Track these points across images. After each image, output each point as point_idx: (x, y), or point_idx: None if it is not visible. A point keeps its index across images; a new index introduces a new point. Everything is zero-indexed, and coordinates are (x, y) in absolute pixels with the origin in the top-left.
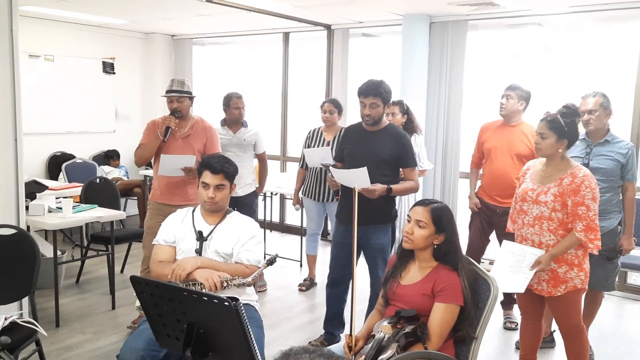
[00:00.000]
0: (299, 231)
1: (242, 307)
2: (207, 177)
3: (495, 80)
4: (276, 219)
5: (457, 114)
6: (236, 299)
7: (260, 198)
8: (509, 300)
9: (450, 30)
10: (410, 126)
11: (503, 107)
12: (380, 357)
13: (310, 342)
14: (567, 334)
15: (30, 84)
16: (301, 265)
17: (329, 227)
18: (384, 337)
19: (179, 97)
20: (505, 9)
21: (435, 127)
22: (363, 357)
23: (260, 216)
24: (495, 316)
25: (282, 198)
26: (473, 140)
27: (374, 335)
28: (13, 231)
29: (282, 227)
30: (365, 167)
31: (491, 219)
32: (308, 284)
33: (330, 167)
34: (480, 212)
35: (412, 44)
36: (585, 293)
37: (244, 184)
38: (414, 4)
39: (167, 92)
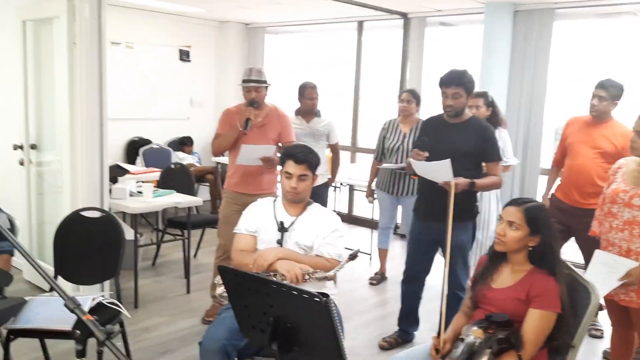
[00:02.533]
0: (367, 223)
1: (333, 304)
2: (291, 166)
3: (583, 73)
4: (344, 210)
5: (539, 108)
6: (327, 295)
7: (330, 189)
8: None
9: (536, 19)
10: (494, 119)
11: (595, 109)
12: None
13: (384, 339)
14: None
15: (111, 71)
16: (371, 259)
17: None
18: (475, 342)
19: (257, 87)
20: None
21: (516, 121)
22: None
23: (329, 207)
24: None
25: (351, 189)
26: (556, 135)
27: (461, 339)
28: (99, 214)
29: (350, 219)
30: (449, 160)
31: (567, 222)
32: (379, 278)
33: (411, 160)
34: (555, 215)
35: (494, 33)
36: None
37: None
38: None
39: (246, 81)
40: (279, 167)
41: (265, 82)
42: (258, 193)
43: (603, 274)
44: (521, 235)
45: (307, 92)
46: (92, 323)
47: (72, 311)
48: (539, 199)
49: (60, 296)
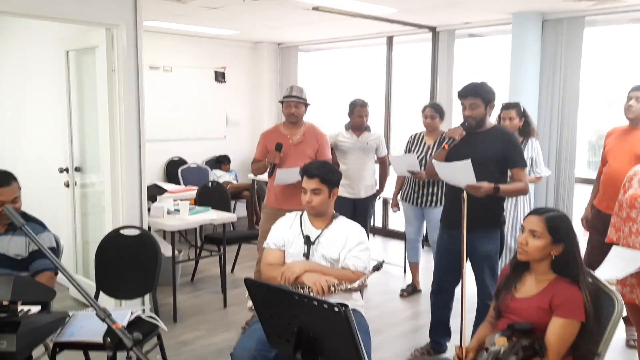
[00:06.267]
0: (402, 236)
1: (352, 314)
2: (304, 181)
3: (617, 80)
4: (379, 223)
5: (572, 117)
6: (346, 306)
7: None
8: None
9: (565, 28)
10: (527, 130)
11: (631, 110)
12: None
13: (416, 350)
14: None
15: (151, 94)
16: (405, 272)
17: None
18: (500, 350)
19: (297, 103)
20: (627, 3)
21: (548, 130)
22: None
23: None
24: (618, 333)
25: (385, 202)
26: (590, 144)
27: (486, 348)
28: (137, 232)
29: (385, 232)
30: (470, 159)
31: (604, 229)
32: (410, 291)
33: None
34: (595, 226)
35: (522, 43)
36: None
37: (365, 186)
38: (526, 1)
39: (287, 97)
40: None
41: (305, 100)
42: (298, 208)
43: (618, 267)
44: (543, 244)
45: (356, 110)
46: (121, 331)
47: (102, 320)
48: (576, 207)
49: (92, 307)
